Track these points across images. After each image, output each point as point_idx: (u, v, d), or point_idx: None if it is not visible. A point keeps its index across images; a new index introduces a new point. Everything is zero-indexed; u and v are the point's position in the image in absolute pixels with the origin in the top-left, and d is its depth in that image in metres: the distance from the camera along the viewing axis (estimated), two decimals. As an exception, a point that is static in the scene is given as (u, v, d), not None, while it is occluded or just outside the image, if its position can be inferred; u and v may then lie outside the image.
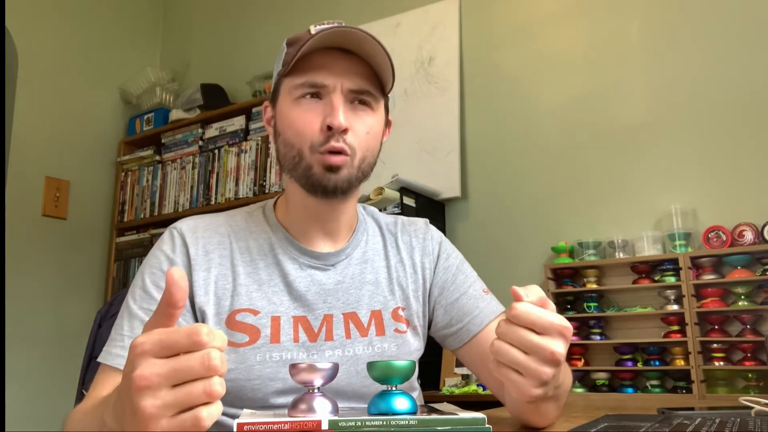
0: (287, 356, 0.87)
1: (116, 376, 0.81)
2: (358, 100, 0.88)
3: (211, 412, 0.49)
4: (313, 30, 0.87)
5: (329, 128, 0.85)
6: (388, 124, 0.98)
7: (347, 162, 0.87)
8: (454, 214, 2.40)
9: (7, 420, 2.28)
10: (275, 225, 0.95)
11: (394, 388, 0.64)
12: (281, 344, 0.87)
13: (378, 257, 0.98)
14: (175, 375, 0.49)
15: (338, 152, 0.86)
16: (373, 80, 0.89)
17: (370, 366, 0.65)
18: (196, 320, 0.87)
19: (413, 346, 0.96)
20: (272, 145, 0.94)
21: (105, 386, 0.80)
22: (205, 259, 0.89)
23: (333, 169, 0.86)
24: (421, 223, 1.04)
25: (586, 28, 2.30)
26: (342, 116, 0.85)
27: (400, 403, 0.62)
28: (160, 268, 0.88)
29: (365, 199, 2.13)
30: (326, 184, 0.86)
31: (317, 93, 0.87)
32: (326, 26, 0.87)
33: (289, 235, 0.93)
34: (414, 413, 0.62)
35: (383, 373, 0.64)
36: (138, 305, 0.85)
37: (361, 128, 0.88)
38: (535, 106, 2.33)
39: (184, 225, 0.92)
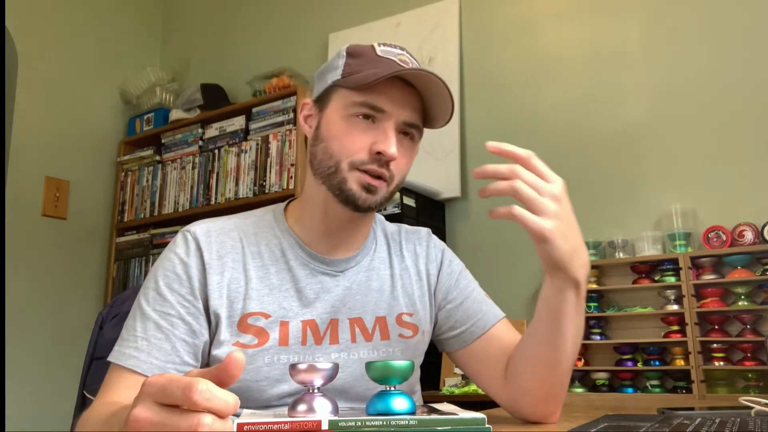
0: (295, 359, 0.88)
1: (129, 376, 0.82)
2: (406, 131, 0.91)
3: None
4: (378, 50, 0.91)
5: (378, 153, 0.87)
6: None
7: (384, 187, 0.90)
8: (454, 214, 2.40)
9: (7, 420, 2.28)
10: (286, 231, 0.96)
11: (392, 388, 0.64)
12: (289, 347, 0.89)
13: (383, 265, 1.00)
14: (164, 428, 0.49)
15: (378, 176, 0.88)
16: (422, 114, 0.92)
17: (369, 366, 0.64)
18: (210, 323, 0.88)
19: (418, 350, 0.99)
20: (308, 146, 0.97)
21: (117, 387, 0.81)
22: (218, 263, 0.90)
23: (370, 190, 0.89)
24: (424, 232, 1.08)
25: (586, 28, 2.30)
26: (394, 146, 0.87)
27: (399, 403, 0.62)
28: (173, 270, 0.89)
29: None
30: (360, 203, 0.89)
31: (372, 115, 0.88)
32: (391, 49, 0.91)
33: (300, 241, 0.95)
34: (413, 413, 0.62)
35: (382, 374, 0.64)
36: (151, 307, 0.86)
37: (403, 159, 0.91)
38: (535, 106, 2.33)
39: (198, 228, 0.93)
